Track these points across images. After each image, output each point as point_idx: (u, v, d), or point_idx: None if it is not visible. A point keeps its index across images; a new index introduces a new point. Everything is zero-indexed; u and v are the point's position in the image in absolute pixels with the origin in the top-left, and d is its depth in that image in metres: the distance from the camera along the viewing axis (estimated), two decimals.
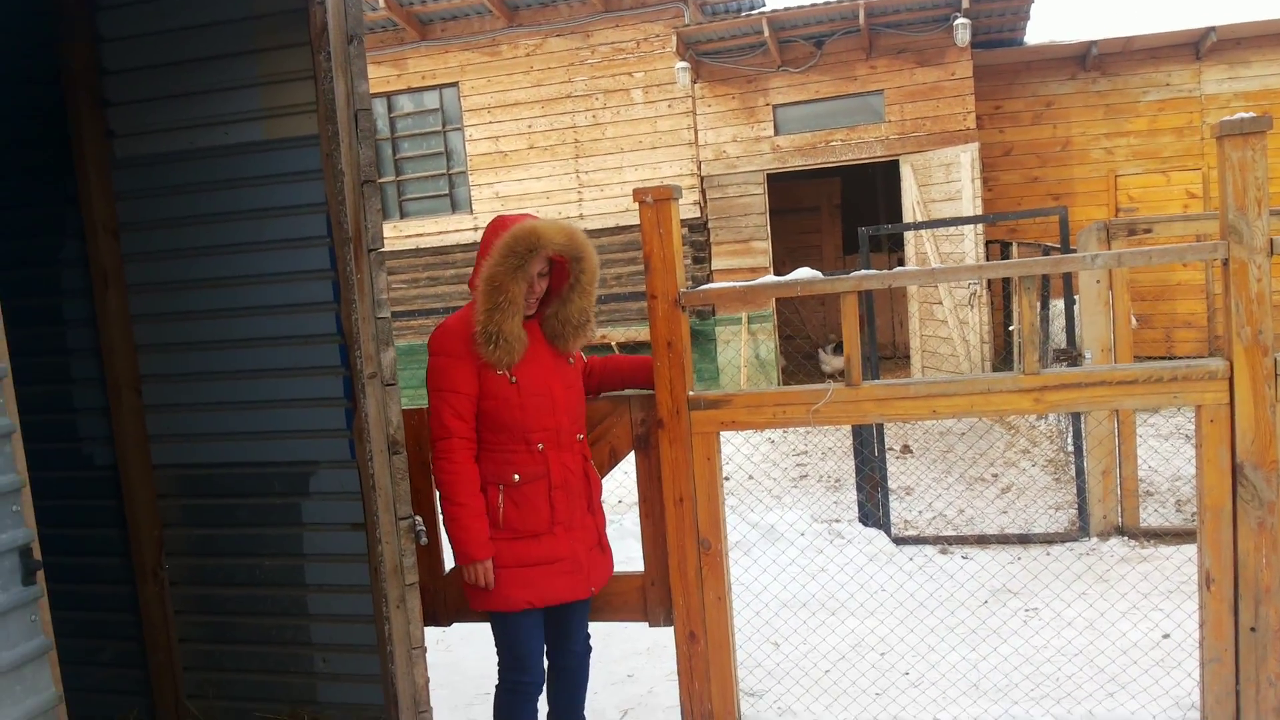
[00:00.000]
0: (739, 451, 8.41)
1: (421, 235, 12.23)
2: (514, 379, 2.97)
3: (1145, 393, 3.01)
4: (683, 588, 3.34)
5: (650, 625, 3.42)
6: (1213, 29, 10.74)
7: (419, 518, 2.80)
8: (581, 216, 11.70)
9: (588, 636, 3.33)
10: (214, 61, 3.57)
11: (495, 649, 3.15)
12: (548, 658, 3.25)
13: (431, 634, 4.85)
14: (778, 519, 6.18)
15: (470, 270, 3.15)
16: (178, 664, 3.88)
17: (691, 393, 3.27)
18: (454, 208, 12.27)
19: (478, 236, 12.00)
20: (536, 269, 2.95)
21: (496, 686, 3.15)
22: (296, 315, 3.64)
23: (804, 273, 3.16)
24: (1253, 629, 3.07)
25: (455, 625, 3.59)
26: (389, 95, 12.25)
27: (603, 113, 11.58)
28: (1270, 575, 3.05)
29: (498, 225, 2.98)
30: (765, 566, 5.43)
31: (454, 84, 12.03)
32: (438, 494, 3.03)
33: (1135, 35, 10.99)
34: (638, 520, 4.72)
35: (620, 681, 4.39)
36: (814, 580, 5.23)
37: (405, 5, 11.48)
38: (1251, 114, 2.83)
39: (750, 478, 7.88)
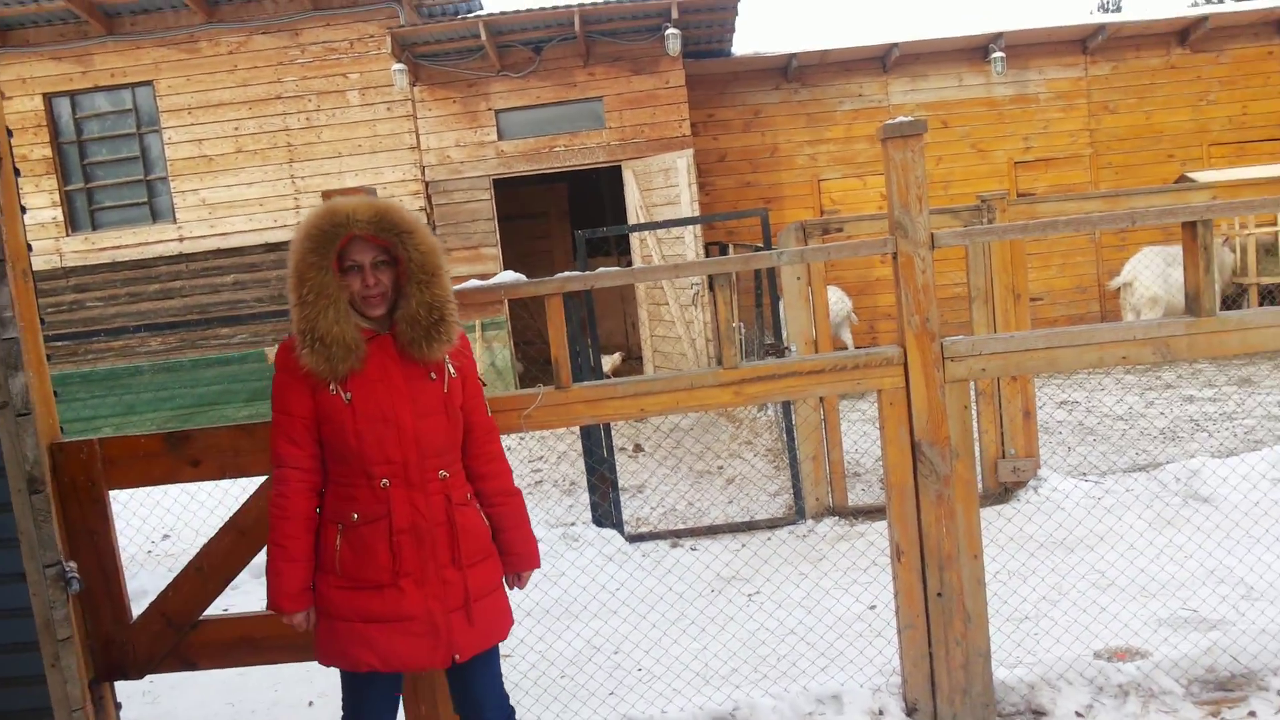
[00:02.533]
0: None
1: (119, 247, 11.20)
2: (348, 397, 2.50)
3: (833, 380, 3.19)
4: None
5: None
6: (895, 45, 11.76)
7: (71, 564, 2.47)
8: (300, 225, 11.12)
9: (504, 702, 2.79)
10: None
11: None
12: None
13: (136, 686, 4.45)
14: None
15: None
16: None
17: None
18: (155, 216, 11.32)
19: (183, 247, 11.18)
20: (360, 256, 2.50)
21: None
22: None
23: (508, 275, 3.12)
24: (939, 594, 3.32)
25: (167, 674, 3.25)
26: (73, 94, 11.15)
27: (317, 115, 11.07)
28: (951, 544, 3.31)
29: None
30: None
31: (148, 82, 11.11)
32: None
33: (830, 49, 11.83)
34: None
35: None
36: (550, 586, 5.21)
37: None
38: (910, 118, 3.06)
39: None
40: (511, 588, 2.83)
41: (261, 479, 3.06)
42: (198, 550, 3.10)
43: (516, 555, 2.77)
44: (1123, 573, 4.62)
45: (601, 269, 3.27)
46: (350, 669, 2.57)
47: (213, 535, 3.07)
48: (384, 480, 2.53)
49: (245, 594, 5.58)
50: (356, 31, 10.97)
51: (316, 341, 2.46)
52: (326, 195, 3.02)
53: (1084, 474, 6.46)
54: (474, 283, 3.29)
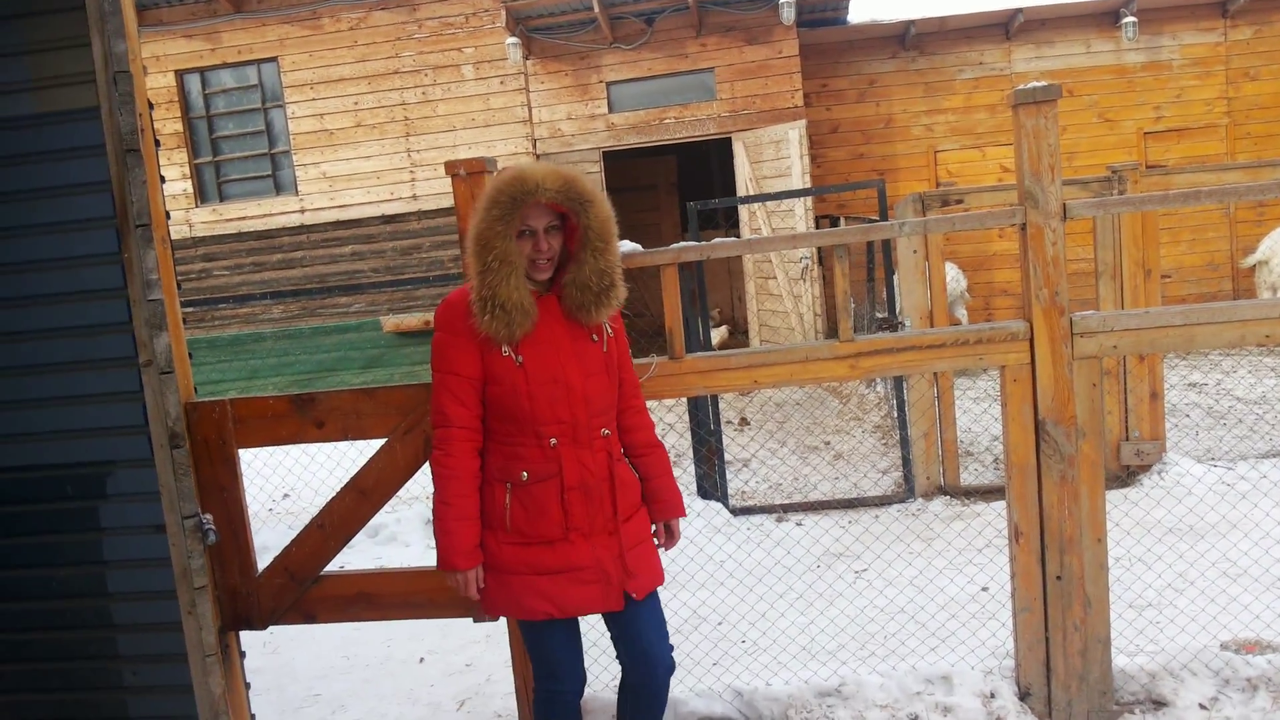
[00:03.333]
0: None
1: (244, 219, 11.63)
2: (519, 359, 2.56)
3: (953, 355, 3.10)
4: None
5: (475, 621, 3.23)
6: (1020, 10, 11.30)
7: (208, 515, 2.58)
8: (415, 196, 11.37)
9: (669, 649, 2.78)
10: None
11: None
12: (622, 674, 2.83)
13: (257, 636, 4.66)
14: None
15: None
16: None
17: None
18: (278, 189, 11.71)
19: (304, 219, 11.53)
20: (535, 222, 2.54)
21: (534, 691, 2.83)
22: (81, 304, 3.34)
23: (624, 245, 3.11)
24: (1059, 578, 3.21)
25: (287, 626, 3.39)
26: (202, 71, 11.58)
27: (433, 89, 11.26)
28: (1073, 526, 3.19)
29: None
30: None
31: (273, 59, 11.46)
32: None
33: (950, 15, 11.45)
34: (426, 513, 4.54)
35: (458, 671, 4.28)
36: None
37: None
38: (1043, 83, 2.93)
39: None
40: (660, 544, 2.85)
41: (381, 441, 3.15)
42: (318, 509, 3.21)
43: (663, 503, 2.82)
44: (1256, 562, 4.39)
45: (717, 239, 3.25)
46: (526, 618, 2.64)
47: (334, 494, 3.17)
48: (553, 439, 2.58)
49: (360, 553, 5.77)
50: (471, 6, 11.09)
51: (498, 308, 2.49)
52: (449, 168, 3.08)
53: (1214, 459, 6.16)
54: None
